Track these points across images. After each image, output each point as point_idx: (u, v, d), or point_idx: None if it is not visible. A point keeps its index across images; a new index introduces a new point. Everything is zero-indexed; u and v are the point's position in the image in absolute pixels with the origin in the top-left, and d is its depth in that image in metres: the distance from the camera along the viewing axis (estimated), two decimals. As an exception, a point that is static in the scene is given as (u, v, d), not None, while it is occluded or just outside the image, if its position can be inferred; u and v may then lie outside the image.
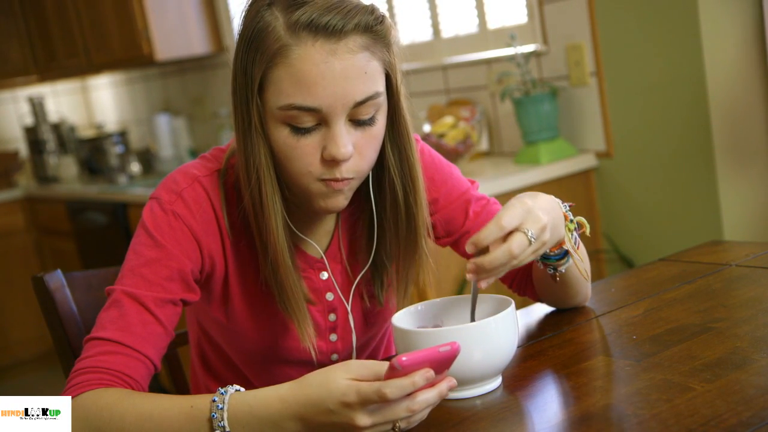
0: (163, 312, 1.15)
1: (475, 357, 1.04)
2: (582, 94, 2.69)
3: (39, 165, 4.99)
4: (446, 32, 3.19)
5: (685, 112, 2.42)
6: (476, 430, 1.00)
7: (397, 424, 0.94)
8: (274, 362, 1.31)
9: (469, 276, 1.08)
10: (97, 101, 5.43)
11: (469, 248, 1.08)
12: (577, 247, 1.22)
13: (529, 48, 2.75)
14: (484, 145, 2.99)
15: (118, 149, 4.42)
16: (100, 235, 4.16)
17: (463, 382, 1.06)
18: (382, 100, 1.14)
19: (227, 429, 0.98)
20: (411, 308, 1.16)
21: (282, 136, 1.12)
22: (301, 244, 1.27)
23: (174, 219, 1.18)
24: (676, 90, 2.43)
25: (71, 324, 1.37)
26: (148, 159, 4.52)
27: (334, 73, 1.08)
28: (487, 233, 1.06)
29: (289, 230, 1.21)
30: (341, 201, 1.16)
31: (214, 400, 0.99)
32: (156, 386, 1.42)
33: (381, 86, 1.13)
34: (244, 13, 1.13)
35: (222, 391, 1.00)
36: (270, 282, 1.21)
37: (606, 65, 2.60)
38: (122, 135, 4.54)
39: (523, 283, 1.37)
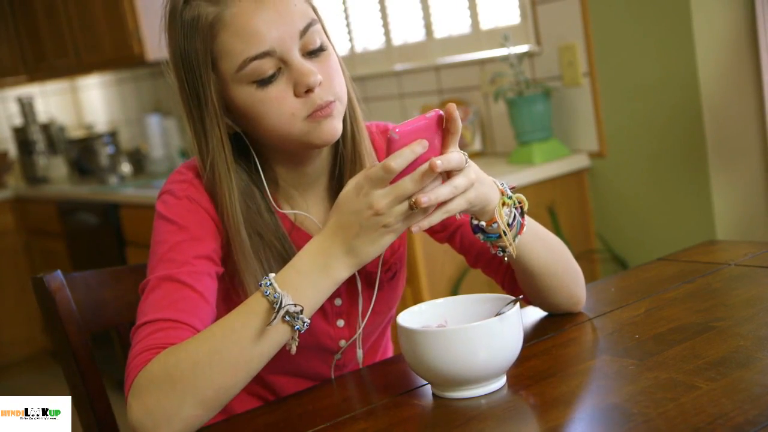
0: (200, 284, 1.14)
1: (480, 356, 1.05)
2: (575, 95, 2.70)
3: (28, 166, 4.98)
4: (439, 33, 3.19)
5: (678, 112, 2.44)
6: (482, 429, 1.00)
7: (411, 201, 1.02)
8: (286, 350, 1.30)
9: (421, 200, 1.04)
10: (86, 101, 5.41)
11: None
12: (522, 227, 1.18)
13: (522, 48, 2.76)
14: (477, 145, 2.99)
15: (108, 150, 4.41)
16: (90, 236, 4.15)
17: (468, 382, 1.06)
18: (321, 29, 1.19)
19: (282, 293, 1.03)
20: (415, 308, 1.16)
21: (250, 94, 1.15)
22: (302, 225, 1.28)
23: (189, 203, 1.20)
24: (668, 90, 2.44)
25: (72, 325, 1.36)
26: (139, 159, 4.51)
27: (270, 13, 1.13)
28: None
29: (279, 211, 1.25)
30: (335, 125, 1.18)
31: (260, 285, 1.05)
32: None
33: (314, 16, 1.18)
34: (167, 24, 1.20)
35: (264, 276, 1.07)
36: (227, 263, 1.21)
37: (599, 66, 2.61)
38: (112, 135, 4.53)
39: (513, 280, 1.37)
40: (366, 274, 1.31)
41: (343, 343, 1.33)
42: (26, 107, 5.01)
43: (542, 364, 1.15)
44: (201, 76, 1.16)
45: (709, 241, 1.75)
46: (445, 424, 1.02)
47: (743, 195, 2.44)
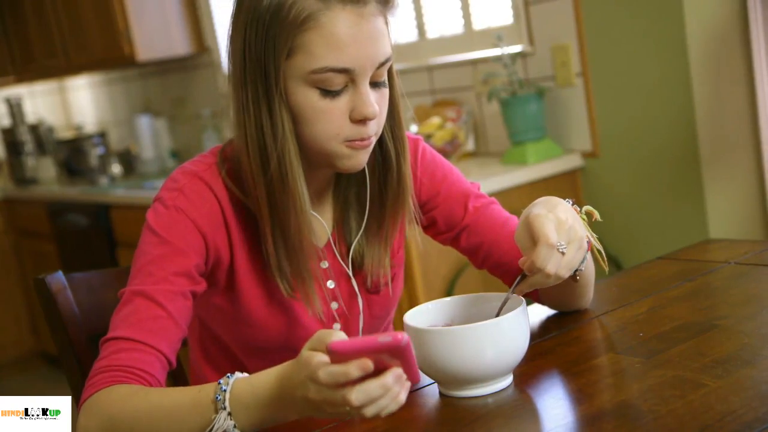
0: (173, 305, 1.15)
1: (487, 355, 1.05)
2: (568, 95, 2.71)
3: (17, 166, 4.94)
4: (431, 33, 3.20)
5: (671, 111, 2.45)
6: (490, 428, 1.00)
7: (347, 409, 0.89)
8: (281, 351, 1.30)
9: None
10: (75, 102, 5.39)
11: (527, 269, 1.10)
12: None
13: (516, 49, 2.76)
14: (470, 145, 3.00)
15: (98, 151, 4.39)
16: (81, 237, 4.13)
17: (475, 381, 1.06)
18: (391, 66, 1.20)
19: (229, 410, 0.99)
20: (421, 307, 1.17)
21: (311, 100, 1.15)
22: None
23: (177, 213, 1.20)
24: (661, 90, 2.45)
25: (74, 326, 1.36)
26: (129, 160, 4.48)
27: (364, 34, 1.13)
28: (543, 257, 1.07)
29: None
30: (364, 158, 1.20)
31: (219, 383, 1.02)
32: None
33: (391, 53, 1.19)
34: None
35: (229, 375, 1.02)
36: (280, 262, 1.21)
37: (592, 66, 2.62)
38: (102, 136, 4.51)
39: None
40: (363, 277, 1.32)
41: None
42: (14, 108, 4.98)
43: (548, 362, 1.16)
44: (275, 59, 1.13)
45: (708, 240, 1.76)
46: (453, 423, 1.03)
47: (736, 194, 2.45)
